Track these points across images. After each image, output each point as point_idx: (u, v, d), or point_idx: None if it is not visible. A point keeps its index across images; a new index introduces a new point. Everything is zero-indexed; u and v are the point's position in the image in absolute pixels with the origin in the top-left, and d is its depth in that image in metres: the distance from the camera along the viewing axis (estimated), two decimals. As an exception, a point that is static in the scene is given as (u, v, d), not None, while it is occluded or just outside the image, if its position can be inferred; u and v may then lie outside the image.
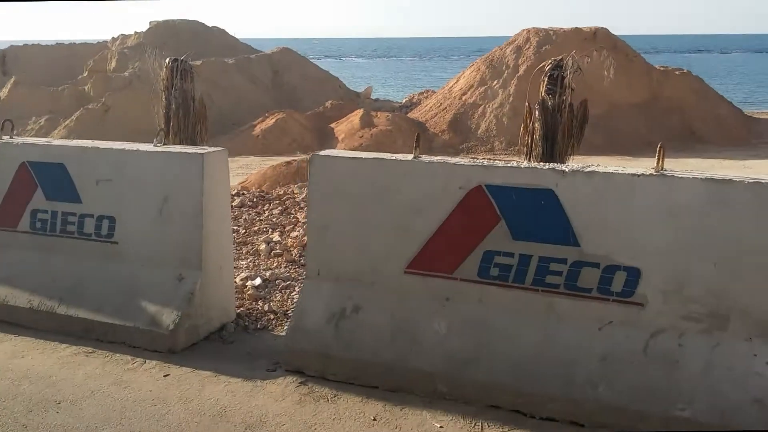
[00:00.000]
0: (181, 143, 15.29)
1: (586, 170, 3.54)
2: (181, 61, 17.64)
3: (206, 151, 4.37)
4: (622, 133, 23.48)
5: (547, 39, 26.89)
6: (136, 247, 4.58)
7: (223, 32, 40.94)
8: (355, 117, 27.79)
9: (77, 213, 4.72)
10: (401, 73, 59.36)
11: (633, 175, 3.48)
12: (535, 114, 16.05)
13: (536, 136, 16.09)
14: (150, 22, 39.39)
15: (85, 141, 4.84)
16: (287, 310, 4.92)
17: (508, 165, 3.73)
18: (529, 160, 16.43)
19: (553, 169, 3.59)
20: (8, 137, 5.00)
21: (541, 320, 3.62)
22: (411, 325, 3.85)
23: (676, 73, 26.96)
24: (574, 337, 3.53)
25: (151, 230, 4.51)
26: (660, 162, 3.52)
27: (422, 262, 3.86)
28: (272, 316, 4.84)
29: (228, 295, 4.72)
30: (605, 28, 26.20)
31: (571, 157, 15.39)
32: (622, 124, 23.50)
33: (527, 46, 27.24)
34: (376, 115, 27.65)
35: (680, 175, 3.44)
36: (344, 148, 24.90)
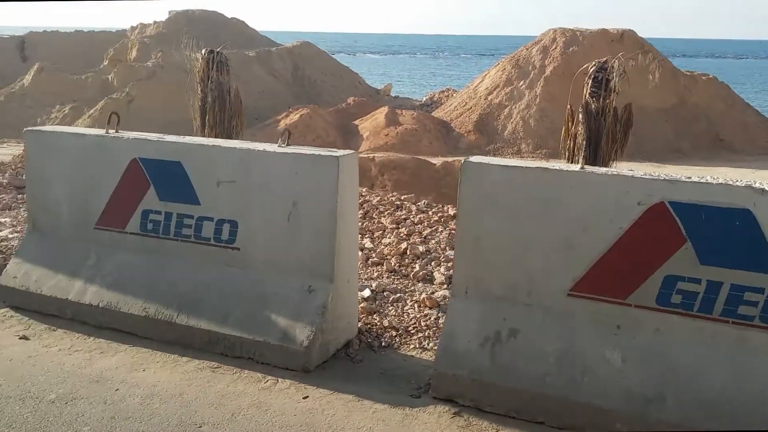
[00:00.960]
0: (217, 137, 14.96)
1: (789, 189, 3.21)
2: (217, 52, 17.22)
3: (341, 154, 4.05)
4: (649, 138, 23.15)
5: (573, 40, 26.53)
6: (260, 254, 4.25)
7: (242, 24, 40.59)
8: (380, 114, 27.42)
9: (194, 215, 4.40)
10: (416, 71, 58.93)
11: (843, 197, 3.15)
12: (578, 117, 15.65)
13: (579, 140, 15.67)
14: (169, 12, 39.06)
15: (205, 138, 4.52)
16: (408, 327, 4.60)
17: (697, 180, 3.39)
18: (571, 164, 16.10)
19: (750, 186, 3.25)
20: (114, 131, 4.68)
21: (732, 355, 3.29)
22: (578, 353, 3.52)
23: (703, 78, 26.61)
24: (773, 374, 3.22)
25: (278, 237, 4.19)
26: None
27: (590, 284, 3.54)
28: (393, 333, 4.52)
29: (353, 309, 4.40)
30: (632, 31, 25.86)
31: (615, 162, 14.99)
32: (648, 129, 23.17)
33: (554, 47, 26.87)
34: (401, 113, 27.29)
35: None
36: (369, 146, 24.55)
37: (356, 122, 28.26)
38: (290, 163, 4.12)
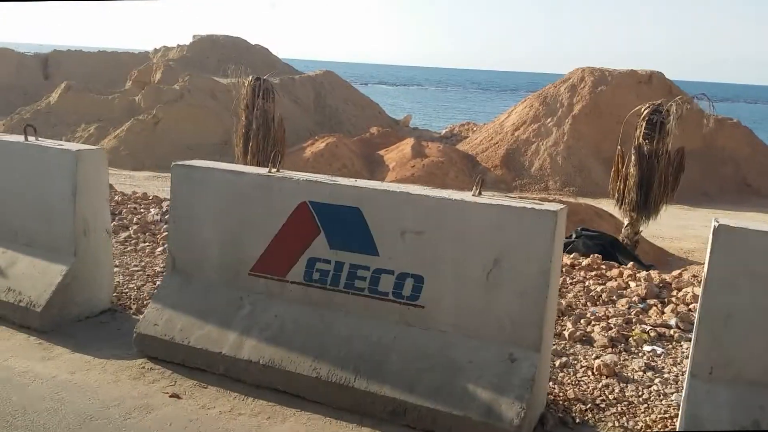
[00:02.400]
0: (258, 165, 14.49)
1: None
2: (264, 80, 16.73)
3: (557, 208, 3.56)
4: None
5: (602, 79, 26.32)
6: (449, 315, 3.73)
7: (265, 50, 40.47)
8: (406, 146, 27.02)
9: (371, 267, 3.88)
10: (430, 102, 58.70)
11: None
12: (630, 159, 15.04)
13: (630, 183, 15.06)
14: (193, 36, 38.92)
15: (387, 183, 4.03)
16: (594, 400, 4.07)
17: None
18: (621, 207, 15.43)
19: None
20: (276, 170, 4.18)
21: None
22: None
23: (728, 122, 26.41)
24: None
25: (472, 297, 3.67)
26: None
27: None
28: (582, 407, 3.97)
29: (546, 378, 3.88)
30: (661, 73, 25.64)
31: (665, 206, 14.35)
32: (676, 171, 22.91)
33: (582, 86, 26.64)
34: (427, 146, 26.91)
35: None
36: (395, 177, 24.10)
37: (381, 152, 27.85)
38: (494, 216, 3.62)
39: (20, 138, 4.78)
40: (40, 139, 4.78)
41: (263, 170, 4.16)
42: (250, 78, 16.93)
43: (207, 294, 4.24)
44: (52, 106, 31.69)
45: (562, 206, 3.65)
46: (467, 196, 3.76)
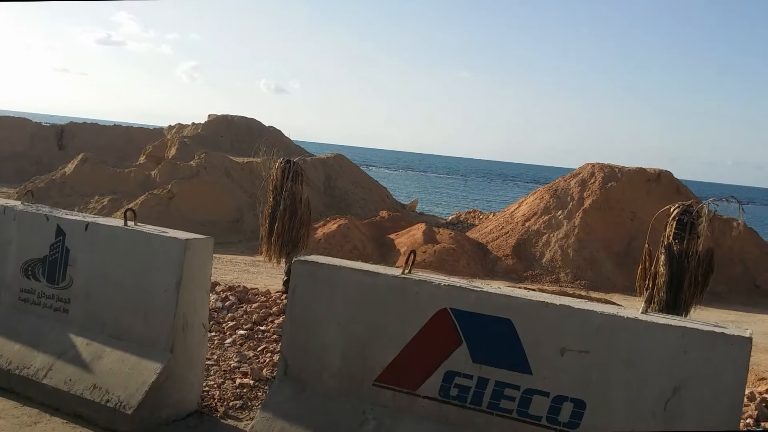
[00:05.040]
0: (283, 246, 13.98)
1: None
2: (294, 163, 16.57)
3: (749, 333, 3.14)
4: (686, 278, 22.59)
5: (612, 176, 26.40)
6: (616, 446, 3.26)
7: (278, 132, 40.78)
8: (418, 231, 26.76)
9: (521, 386, 3.41)
10: (429, 188, 58.69)
11: None
12: (660, 258, 14.71)
13: (660, 282, 14.67)
14: (209, 116, 39.31)
15: (544, 294, 3.61)
16: None
17: None
18: (650, 306, 15.07)
19: None
20: (408, 270, 3.76)
21: None
22: None
23: (734, 223, 26.33)
24: None
25: (645, 427, 3.21)
26: None
27: None
28: None
29: None
30: (669, 171, 25.83)
31: (696, 307, 13.97)
32: (685, 269, 22.67)
33: (592, 181, 26.71)
34: (439, 231, 26.68)
35: None
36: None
37: (392, 236, 27.52)
38: (676, 339, 3.18)
39: (119, 222, 4.37)
40: (139, 224, 4.37)
41: (396, 271, 3.75)
42: (281, 160, 16.77)
43: (325, 404, 3.74)
44: (68, 176, 31.52)
45: (750, 330, 3.24)
46: (638, 314, 3.35)
